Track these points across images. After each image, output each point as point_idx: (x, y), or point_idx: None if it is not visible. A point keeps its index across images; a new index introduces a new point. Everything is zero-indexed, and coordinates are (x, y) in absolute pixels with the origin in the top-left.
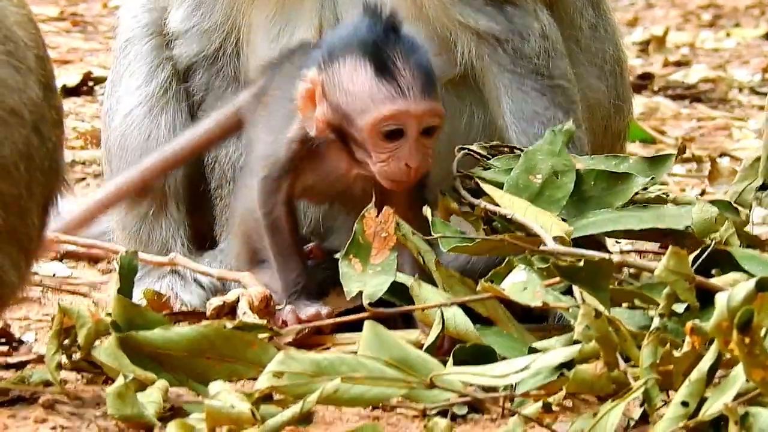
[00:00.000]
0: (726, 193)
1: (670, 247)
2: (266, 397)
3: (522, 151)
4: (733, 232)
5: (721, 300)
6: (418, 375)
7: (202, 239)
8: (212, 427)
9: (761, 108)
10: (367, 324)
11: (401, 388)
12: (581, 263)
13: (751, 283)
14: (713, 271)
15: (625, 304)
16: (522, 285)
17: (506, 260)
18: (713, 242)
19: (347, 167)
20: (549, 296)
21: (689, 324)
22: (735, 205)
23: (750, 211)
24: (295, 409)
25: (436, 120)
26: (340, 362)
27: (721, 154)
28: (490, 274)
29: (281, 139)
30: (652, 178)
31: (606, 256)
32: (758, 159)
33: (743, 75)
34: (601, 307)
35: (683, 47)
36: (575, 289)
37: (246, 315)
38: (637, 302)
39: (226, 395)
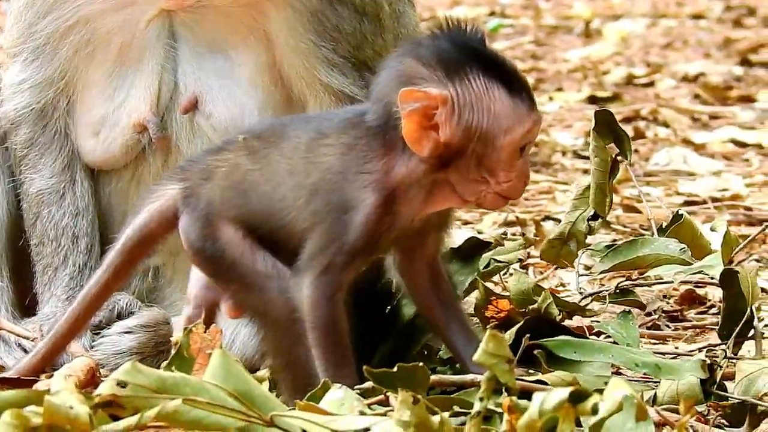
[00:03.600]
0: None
1: (488, 330)
2: (109, 404)
3: None
4: (551, 301)
5: (535, 401)
6: (258, 411)
7: (26, 301)
8: (48, 422)
9: (585, 171)
10: (216, 352)
11: (240, 420)
12: (395, 370)
13: (565, 393)
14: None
15: None
16: (339, 402)
17: (323, 381)
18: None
19: (420, 209)
20: (367, 409)
21: (506, 401)
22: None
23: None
24: (130, 420)
25: None
26: (185, 383)
27: (545, 218)
28: (308, 395)
29: (348, 217)
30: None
31: (420, 364)
32: (588, 187)
33: (566, 139)
34: (419, 396)
35: None
36: (391, 397)
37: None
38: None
39: (67, 395)
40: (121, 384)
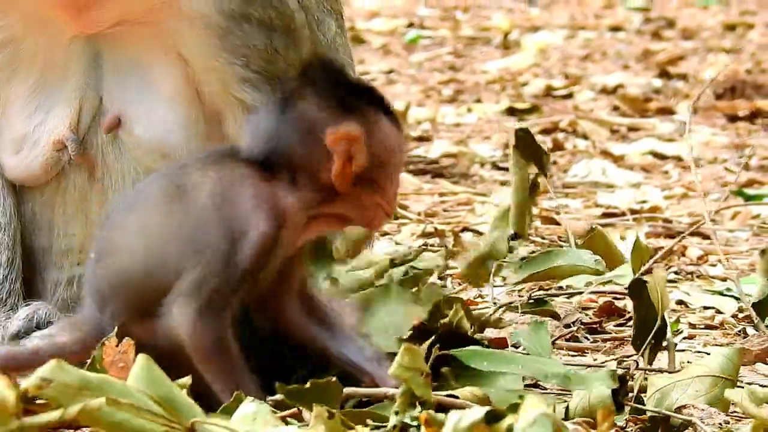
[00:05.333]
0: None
1: (403, 344)
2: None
3: None
4: (462, 315)
5: (450, 420)
6: (180, 417)
7: None
8: None
9: (503, 183)
10: (140, 357)
11: (162, 426)
12: (308, 385)
13: (480, 413)
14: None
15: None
16: (252, 416)
17: (235, 394)
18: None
19: (301, 237)
20: (279, 422)
21: (423, 415)
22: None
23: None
24: (54, 414)
25: None
26: (110, 385)
27: (464, 229)
28: (221, 408)
29: (239, 242)
30: None
31: (333, 378)
32: (509, 209)
33: (485, 150)
34: (333, 411)
35: (424, 122)
36: (304, 411)
37: None
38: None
39: None
40: (46, 381)
